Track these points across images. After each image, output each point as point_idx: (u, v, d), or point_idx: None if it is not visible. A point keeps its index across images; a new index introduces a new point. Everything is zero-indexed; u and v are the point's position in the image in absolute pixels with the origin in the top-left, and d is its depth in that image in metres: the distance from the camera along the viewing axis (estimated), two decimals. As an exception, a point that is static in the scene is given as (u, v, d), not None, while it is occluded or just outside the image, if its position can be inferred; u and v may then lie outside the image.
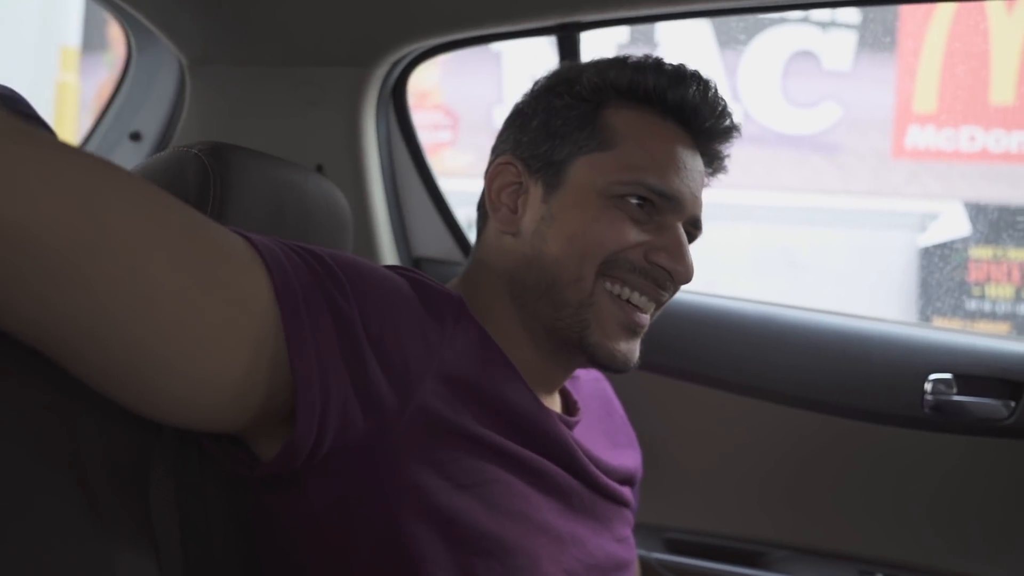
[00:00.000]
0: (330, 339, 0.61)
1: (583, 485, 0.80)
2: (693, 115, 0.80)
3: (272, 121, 1.36)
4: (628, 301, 0.78)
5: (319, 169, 1.36)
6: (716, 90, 0.81)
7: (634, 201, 0.77)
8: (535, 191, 0.80)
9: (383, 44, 1.31)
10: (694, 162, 0.81)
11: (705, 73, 0.81)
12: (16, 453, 0.53)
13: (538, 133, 0.81)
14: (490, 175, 0.83)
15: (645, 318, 0.80)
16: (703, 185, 0.83)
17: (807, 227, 4.38)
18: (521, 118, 0.83)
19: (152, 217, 0.52)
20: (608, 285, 0.77)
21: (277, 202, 0.80)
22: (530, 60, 4.04)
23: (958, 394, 1.20)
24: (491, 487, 0.70)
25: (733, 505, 1.31)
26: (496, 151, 0.85)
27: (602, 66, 0.81)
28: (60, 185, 0.48)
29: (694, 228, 0.82)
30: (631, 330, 0.79)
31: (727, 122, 0.82)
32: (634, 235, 0.77)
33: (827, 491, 1.27)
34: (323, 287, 0.62)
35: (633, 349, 0.80)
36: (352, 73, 1.34)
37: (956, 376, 1.20)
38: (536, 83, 0.86)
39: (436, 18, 1.28)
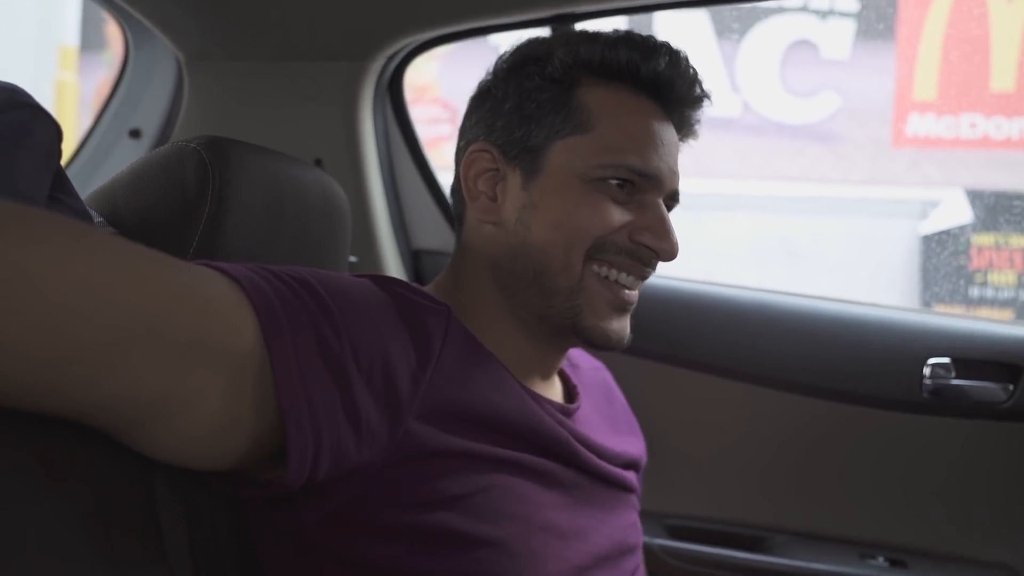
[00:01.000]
0: (321, 380, 0.61)
1: (584, 476, 0.80)
2: (667, 88, 0.79)
3: (270, 116, 1.37)
4: (616, 281, 0.79)
5: (318, 163, 1.37)
6: (687, 60, 0.80)
7: (614, 182, 0.77)
8: (513, 178, 0.79)
9: (379, 38, 1.32)
10: (669, 135, 0.81)
11: (675, 43, 0.80)
12: (33, 495, 0.55)
13: (511, 117, 0.79)
14: (465, 163, 0.81)
15: (634, 295, 0.81)
16: (679, 153, 0.83)
17: (806, 216, 4.38)
18: (491, 100, 0.81)
19: (125, 314, 0.52)
20: (596, 268, 0.78)
21: (276, 195, 0.81)
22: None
23: (956, 378, 1.21)
24: (490, 494, 0.70)
25: (733, 491, 1.31)
26: (466, 135, 0.84)
27: (572, 41, 0.79)
28: (36, 303, 0.49)
29: (672, 200, 0.82)
30: (621, 308, 0.80)
31: (698, 90, 0.81)
32: (618, 217, 0.77)
33: (827, 476, 1.28)
34: (313, 323, 0.62)
35: (625, 326, 0.81)
36: (348, 67, 1.34)
37: (954, 360, 1.21)
38: (502, 59, 0.84)
39: (431, 11, 1.29)
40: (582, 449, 0.79)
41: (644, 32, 0.81)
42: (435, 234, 1.48)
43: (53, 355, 0.50)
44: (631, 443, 0.92)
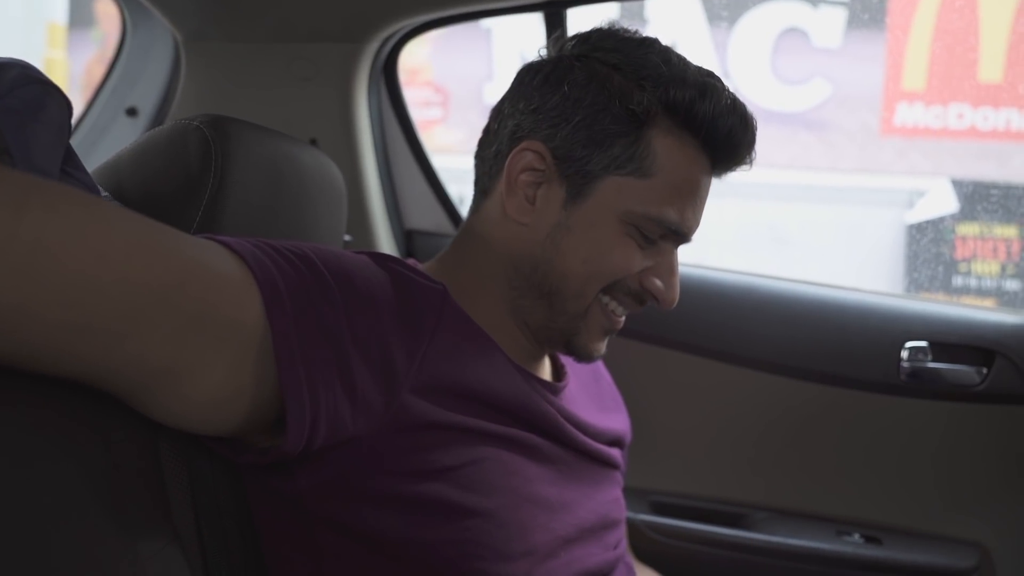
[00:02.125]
0: (320, 351, 0.64)
1: (571, 452, 0.83)
2: (731, 150, 0.80)
3: (266, 96, 1.38)
4: (613, 311, 0.83)
5: (313, 143, 1.39)
6: (754, 122, 0.81)
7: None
8: (557, 191, 0.79)
9: (374, 20, 1.33)
10: (708, 187, 0.82)
11: (745, 103, 0.80)
12: (49, 453, 0.57)
13: (578, 133, 0.78)
14: (516, 155, 0.80)
15: (623, 321, 0.85)
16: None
17: (794, 204, 4.41)
18: (562, 99, 0.79)
19: (138, 285, 0.55)
20: (602, 298, 0.81)
21: (275, 174, 0.83)
22: (520, 37, 4.04)
23: (933, 361, 1.24)
24: (480, 466, 0.72)
25: (715, 469, 1.35)
26: (518, 116, 0.81)
27: (663, 78, 0.77)
28: (55, 274, 0.51)
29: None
30: (610, 332, 0.85)
31: (751, 156, 0.82)
32: (638, 262, 0.80)
33: (806, 455, 1.31)
34: (313, 299, 0.65)
35: (605, 344, 0.86)
36: (344, 49, 1.36)
37: (931, 344, 1.25)
38: (581, 49, 0.81)
39: None
40: (568, 426, 0.82)
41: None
42: (428, 215, 1.50)
43: (71, 322, 0.52)
44: (616, 421, 0.95)
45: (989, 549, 1.23)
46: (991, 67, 4.02)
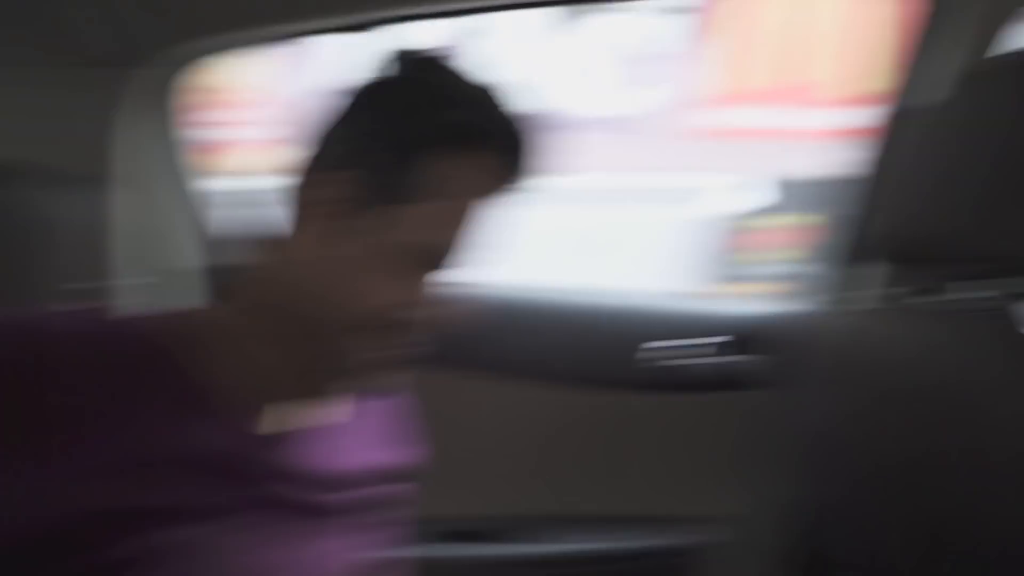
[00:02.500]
0: None
1: (297, 512, 0.80)
2: (513, 166, 0.78)
3: (27, 126, 1.27)
4: (389, 345, 0.79)
5: (76, 176, 1.30)
6: (539, 134, 0.78)
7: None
8: (335, 223, 0.75)
9: (147, 44, 1.26)
10: (488, 208, 0.79)
11: (533, 109, 0.78)
12: None
13: (358, 161, 0.75)
14: (303, 187, 0.77)
15: (400, 353, 0.82)
16: None
17: (605, 207, 4.52)
18: (346, 129, 0.77)
19: None
20: (375, 331, 0.78)
21: (18, 219, 0.78)
22: (335, 55, 3.92)
23: (672, 358, 1.34)
24: (172, 553, 0.69)
25: (489, 486, 1.39)
26: (314, 148, 0.78)
27: (436, 106, 0.75)
28: None
29: None
30: (387, 366, 0.82)
31: (539, 166, 0.79)
32: (412, 292, 0.77)
33: (568, 460, 1.38)
34: None
35: (385, 377, 0.83)
36: (113, 74, 1.27)
37: (669, 341, 1.34)
38: (364, 96, 0.78)
39: (209, 17, 1.24)
40: (293, 483, 0.80)
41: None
42: (208, 249, 1.45)
43: None
44: (385, 456, 0.93)
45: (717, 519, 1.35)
46: (822, 69, 4.24)
